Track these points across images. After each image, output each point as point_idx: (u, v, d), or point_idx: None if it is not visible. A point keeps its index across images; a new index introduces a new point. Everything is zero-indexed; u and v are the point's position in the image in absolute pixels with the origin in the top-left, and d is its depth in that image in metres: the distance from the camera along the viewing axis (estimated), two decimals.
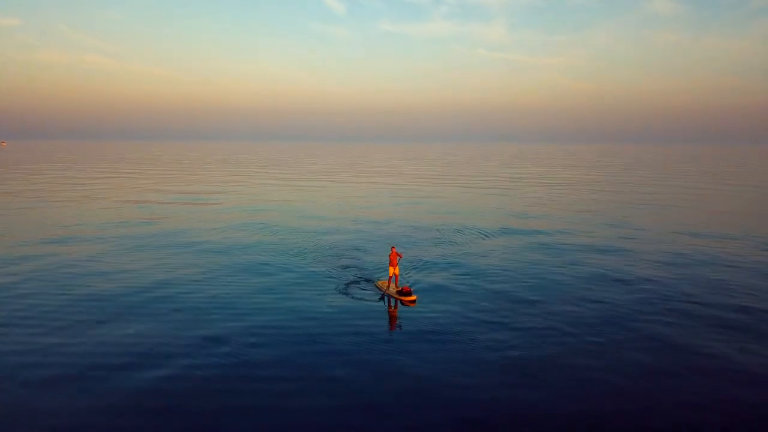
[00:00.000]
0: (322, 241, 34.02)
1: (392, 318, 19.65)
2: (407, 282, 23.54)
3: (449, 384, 14.18)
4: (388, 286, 22.48)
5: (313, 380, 14.41)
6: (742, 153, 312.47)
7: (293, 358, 15.75)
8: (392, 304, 21.12)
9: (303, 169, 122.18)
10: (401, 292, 21.46)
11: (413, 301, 21.03)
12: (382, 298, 21.70)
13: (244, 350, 16.27)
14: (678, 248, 32.12)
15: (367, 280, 24.26)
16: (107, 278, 24.45)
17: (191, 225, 40.08)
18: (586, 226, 40.81)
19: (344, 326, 18.37)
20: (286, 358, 15.75)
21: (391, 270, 22.35)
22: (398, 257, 22.33)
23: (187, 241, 33.49)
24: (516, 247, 32.20)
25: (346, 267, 26.86)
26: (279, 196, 62.85)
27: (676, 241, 34.36)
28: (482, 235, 36.34)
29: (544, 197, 62.22)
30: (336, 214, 47.10)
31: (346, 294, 22.16)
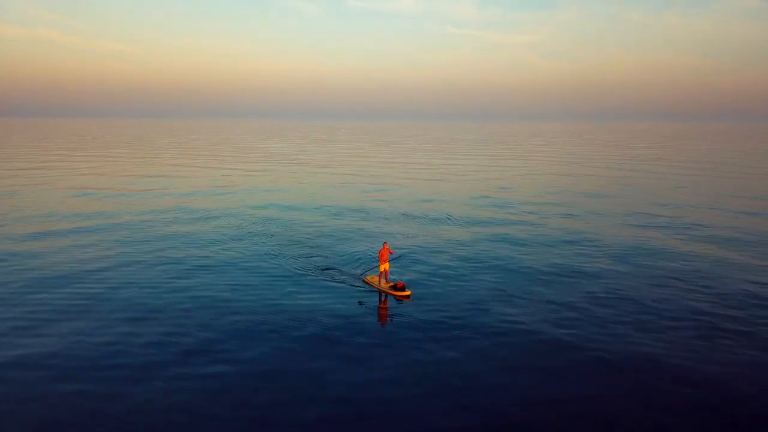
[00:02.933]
0: (299, 234, 33.97)
1: (384, 313, 20.01)
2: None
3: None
4: (380, 282, 22.75)
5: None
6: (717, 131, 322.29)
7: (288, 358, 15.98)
8: (383, 299, 21.45)
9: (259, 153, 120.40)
10: (395, 287, 21.77)
11: (408, 296, 21.39)
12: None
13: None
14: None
15: (354, 275, 24.49)
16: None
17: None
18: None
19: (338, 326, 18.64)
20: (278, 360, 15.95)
21: (381, 266, 22.61)
22: (389, 253, 22.59)
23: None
24: (495, 234, 32.85)
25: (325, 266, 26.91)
26: (231, 182, 62.05)
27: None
28: (463, 222, 36.92)
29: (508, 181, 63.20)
30: (306, 202, 46.93)
31: (332, 290, 22.38)
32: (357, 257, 27.65)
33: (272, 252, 28.67)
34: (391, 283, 22.28)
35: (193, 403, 13.62)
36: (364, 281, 23.60)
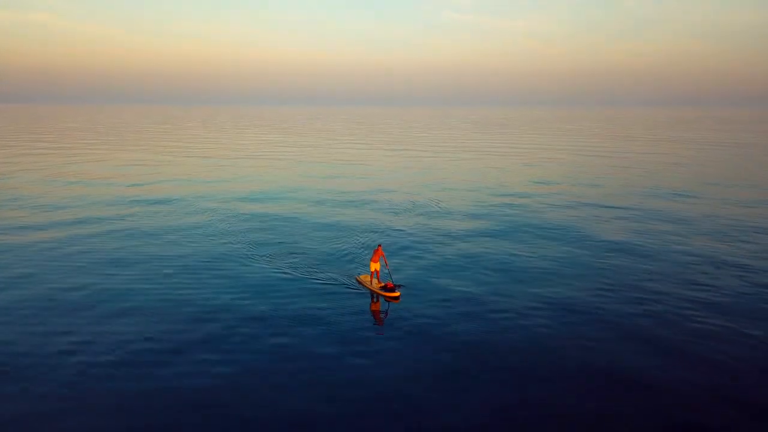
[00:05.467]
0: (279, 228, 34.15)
1: (376, 313, 20.29)
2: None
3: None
4: (371, 281, 22.97)
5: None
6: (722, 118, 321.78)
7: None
8: (375, 299, 21.69)
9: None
10: (385, 288, 21.98)
11: (397, 298, 21.61)
12: None
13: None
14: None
15: (347, 275, 24.70)
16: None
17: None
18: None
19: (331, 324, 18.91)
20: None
21: (372, 265, 22.78)
22: (382, 256, 22.76)
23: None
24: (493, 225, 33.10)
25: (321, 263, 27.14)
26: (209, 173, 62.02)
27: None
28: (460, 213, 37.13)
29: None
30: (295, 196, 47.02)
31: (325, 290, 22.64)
32: (349, 256, 27.89)
33: (259, 251, 28.88)
34: (382, 283, 22.47)
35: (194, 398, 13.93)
36: (356, 280, 23.82)
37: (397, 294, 21.68)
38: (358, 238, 31.49)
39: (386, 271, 24.43)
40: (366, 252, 28.16)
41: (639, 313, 20.28)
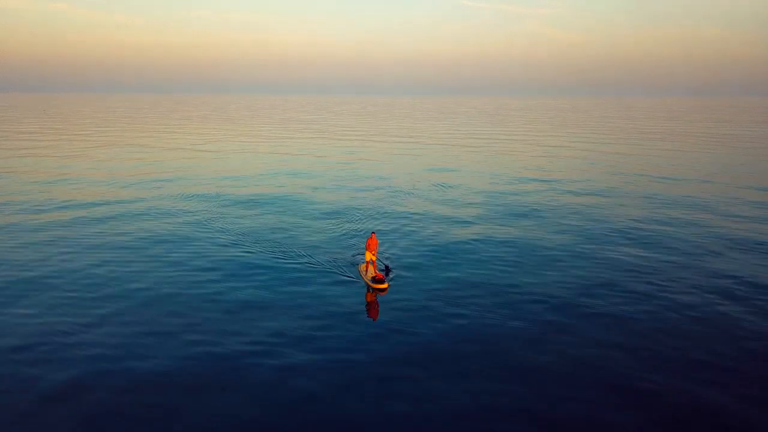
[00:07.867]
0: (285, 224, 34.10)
1: (370, 302, 20.23)
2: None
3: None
4: (366, 271, 22.83)
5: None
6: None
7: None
8: (369, 289, 21.58)
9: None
10: (374, 279, 21.77)
11: (384, 290, 21.36)
12: None
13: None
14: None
15: (351, 264, 24.70)
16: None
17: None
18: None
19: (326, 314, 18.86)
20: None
21: (367, 255, 22.65)
22: (375, 244, 22.55)
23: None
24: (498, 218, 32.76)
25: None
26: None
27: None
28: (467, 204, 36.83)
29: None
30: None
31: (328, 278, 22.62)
32: (351, 244, 27.86)
33: (260, 241, 28.94)
34: (374, 274, 22.18)
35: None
36: (358, 270, 23.69)
37: (384, 286, 21.39)
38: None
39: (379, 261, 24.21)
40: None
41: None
